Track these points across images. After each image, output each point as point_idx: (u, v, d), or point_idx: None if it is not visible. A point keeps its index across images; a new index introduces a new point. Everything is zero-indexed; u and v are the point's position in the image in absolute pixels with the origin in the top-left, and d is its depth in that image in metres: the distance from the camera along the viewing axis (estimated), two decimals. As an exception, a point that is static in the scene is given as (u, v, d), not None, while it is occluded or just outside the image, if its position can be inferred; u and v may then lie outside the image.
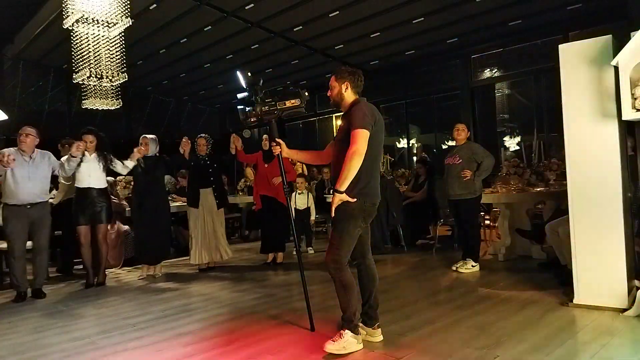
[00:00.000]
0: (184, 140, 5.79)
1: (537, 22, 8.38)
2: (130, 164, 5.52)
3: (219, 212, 6.02)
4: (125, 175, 6.44)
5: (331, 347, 2.92)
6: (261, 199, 6.15)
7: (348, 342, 2.93)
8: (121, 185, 7.58)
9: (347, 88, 3.10)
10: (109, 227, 6.54)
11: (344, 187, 2.90)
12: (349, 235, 2.97)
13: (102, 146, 5.39)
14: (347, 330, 2.96)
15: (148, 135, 5.70)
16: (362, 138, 2.87)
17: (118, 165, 5.52)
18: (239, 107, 3.50)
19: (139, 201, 5.63)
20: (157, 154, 5.77)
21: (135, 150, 5.49)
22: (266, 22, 8.77)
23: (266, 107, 3.40)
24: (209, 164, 5.99)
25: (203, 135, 6.11)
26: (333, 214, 2.99)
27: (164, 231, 5.81)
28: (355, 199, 2.93)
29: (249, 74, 3.46)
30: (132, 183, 6.06)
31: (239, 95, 3.50)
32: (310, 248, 6.97)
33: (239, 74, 3.46)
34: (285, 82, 11.70)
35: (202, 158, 5.98)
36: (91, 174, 5.30)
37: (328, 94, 3.19)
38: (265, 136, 6.18)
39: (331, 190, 3.01)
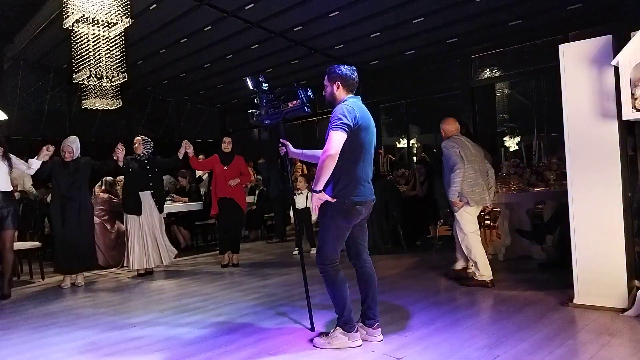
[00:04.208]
0: (118, 147, 5.49)
1: (537, 22, 8.38)
2: (36, 164, 5.01)
3: (160, 216, 5.92)
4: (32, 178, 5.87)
5: (318, 340, 3.05)
6: (220, 201, 6.09)
7: (335, 337, 3.00)
8: (121, 184, 7.57)
9: (338, 87, 3.08)
10: (108, 227, 6.57)
11: (318, 187, 2.92)
12: (331, 235, 3.00)
13: (3, 146, 4.86)
14: (338, 327, 3.03)
15: (70, 139, 5.33)
16: (333, 140, 2.86)
17: (22, 166, 5.05)
18: (249, 111, 3.55)
19: (61, 205, 5.20)
20: (80, 156, 5.39)
21: (42, 152, 5.02)
22: (266, 22, 8.76)
23: (271, 110, 3.44)
24: (148, 168, 5.83)
25: (141, 136, 5.96)
26: (316, 214, 3.03)
27: (87, 238, 5.37)
28: (335, 199, 2.94)
29: (260, 78, 3.49)
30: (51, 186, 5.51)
31: (256, 100, 3.55)
32: (314, 248, 6.95)
33: (247, 79, 3.51)
34: (285, 82, 11.70)
35: (142, 160, 5.83)
36: None
37: (323, 94, 3.19)
38: (225, 139, 6.18)
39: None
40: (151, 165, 5.88)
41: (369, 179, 3.09)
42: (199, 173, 8.84)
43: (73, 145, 5.30)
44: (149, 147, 5.87)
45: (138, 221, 5.77)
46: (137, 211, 5.75)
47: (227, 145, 6.17)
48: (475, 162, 4.58)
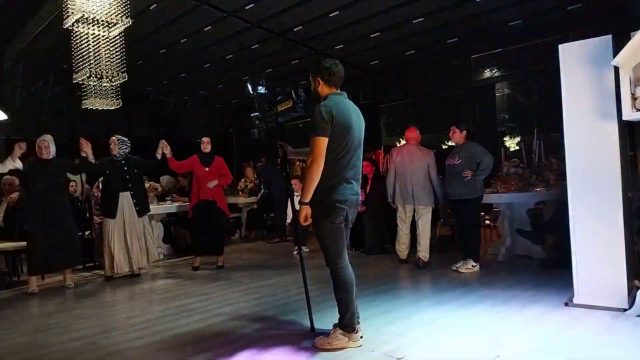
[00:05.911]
0: (81, 142, 5.34)
1: (537, 22, 8.37)
2: (17, 164, 4.92)
3: (141, 216, 5.78)
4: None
5: (318, 340, 3.06)
6: (201, 203, 5.96)
7: (336, 338, 3.02)
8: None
9: (319, 84, 3.06)
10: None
11: (308, 198, 2.93)
12: (326, 237, 3.01)
13: None
14: (338, 328, 3.05)
15: (44, 136, 5.20)
16: (316, 146, 2.87)
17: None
18: (251, 115, 3.62)
19: (40, 206, 5.05)
20: (55, 156, 5.25)
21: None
22: (266, 22, 8.75)
23: (268, 112, 3.47)
24: (126, 169, 5.71)
25: (116, 136, 5.82)
26: (304, 224, 3.02)
27: (70, 237, 5.25)
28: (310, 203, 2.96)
29: (260, 82, 3.52)
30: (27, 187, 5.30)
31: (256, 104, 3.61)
32: (305, 247, 6.91)
33: (247, 84, 3.55)
34: (285, 82, 11.69)
35: (118, 161, 5.67)
36: None
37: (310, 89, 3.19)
38: (204, 139, 6.11)
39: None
40: (129, 166, 5.73)
41: (351, 178, 3.02)
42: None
43: (48, 140, 5.18)
44: (125, 147, 5.73)
45: (113, 223, 5.60)
46: (112, 214, 5.60)
47: (205, 145, 6.06)
48: (404, 168, 5.50)
